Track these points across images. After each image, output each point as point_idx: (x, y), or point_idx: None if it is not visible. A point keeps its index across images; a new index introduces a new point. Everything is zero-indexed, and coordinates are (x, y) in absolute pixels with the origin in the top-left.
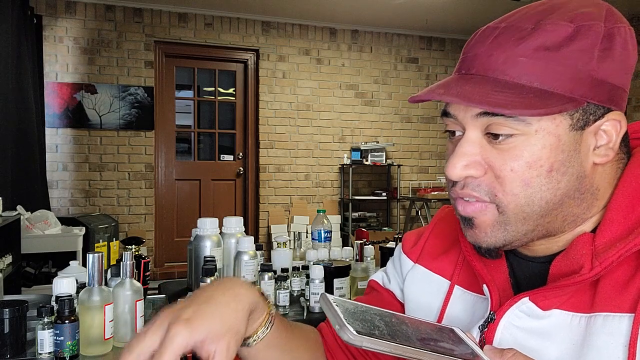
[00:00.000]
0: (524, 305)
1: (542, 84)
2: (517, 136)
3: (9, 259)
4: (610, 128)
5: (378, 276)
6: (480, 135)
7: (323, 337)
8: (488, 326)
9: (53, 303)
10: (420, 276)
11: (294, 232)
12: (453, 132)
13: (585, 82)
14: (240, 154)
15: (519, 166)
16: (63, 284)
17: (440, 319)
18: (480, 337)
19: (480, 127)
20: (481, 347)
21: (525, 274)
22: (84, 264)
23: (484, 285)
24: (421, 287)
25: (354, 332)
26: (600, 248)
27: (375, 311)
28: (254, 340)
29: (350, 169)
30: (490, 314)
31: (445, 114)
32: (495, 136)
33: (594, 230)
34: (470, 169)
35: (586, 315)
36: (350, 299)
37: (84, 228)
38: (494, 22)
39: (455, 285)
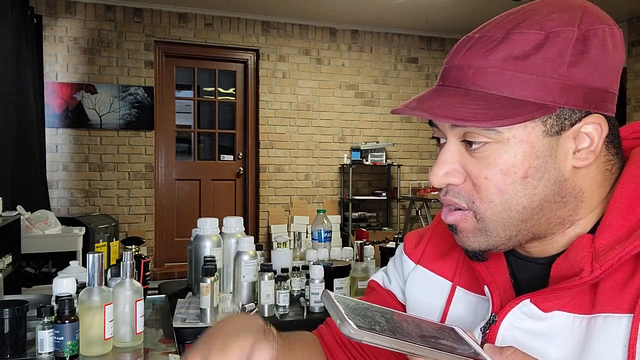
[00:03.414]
0: (526, 307)
1: (511, 93)
2: (490, 144)
3: (9, 259)
4: (592, 130)
5: (378, 276)
6: (459, 143)
7: (322, 338)
8: (490, 327)
9: (53, 303)
10: (422, 277)
11: (294, 232)
12: (439, 139)
13: (555, 88)
14: (240, 154)
15: (493, 174)
16: (63, 284)
17: (442, 320)
18: (482, 338)
19: (457, 136)
20: (482, 346)
21: (526, 275)
22: (84, 264)
23: (485, 287)
24: (423, 289)
25: (355, 327)
26: (600, 250)
27: (376, 308)
28: None
29: (350, 169)
30: (491, 315)
31: (430, 122)
32: (470, 143)
33: (592, 231)
34: (450, 176)
35: (587, 317)
36: None
37: (84, 228)
38: (472, 32)
39: (457, 286)
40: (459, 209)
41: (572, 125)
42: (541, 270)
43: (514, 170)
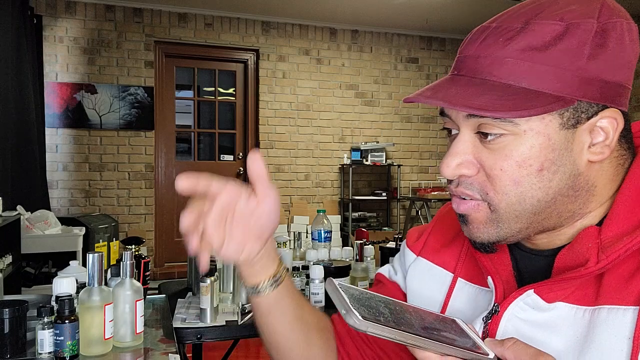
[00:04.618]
0: (529, 297)
1: (529, 84)
2: (506, 136)
3: (9, 259)
4: (607, 125)
5: (385, 269)
6: (473, 134)
7: (334, 324)
8: (492, 318)
9: (53, 303)
10: (422, 269)
11: (294, 232)
12: (450, 130)
13: (573, 81)
14: (240, 154)
15: (509, 166)
16: (63, 284)
17: (443, 312)
18: (484, 328)
19: (471, 127)
20: (484, 339)
21: (529, 267)
22: (84, 264)
23: (489, 278)
24: (424, 280)
25: (360, 317)
26: (607, 242)
27: (380, 298)
28: (258, 290)
29: (350, 169)
30: (494, 305)
31: (442, 113)
32: (485, 135)
33: (599, 224)
34: (463, 168)
35: (590, 308)
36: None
37: (84, 228)
38: (487, 22)
39: (459, 278)
40: (472, 199)
41: (589, 118)
42: (545, 262)
43: (529, 163)
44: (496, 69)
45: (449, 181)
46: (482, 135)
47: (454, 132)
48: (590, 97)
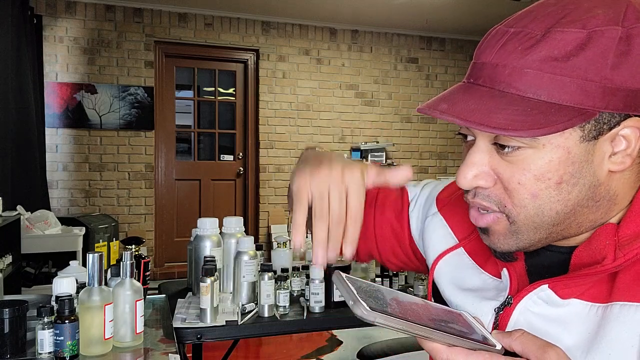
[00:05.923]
0: (543, 292)
1: (549, 97)
2: (524, 149)
3: (9, 259)
4: (630, 134)
5: (413, 191)
6: (489, 144)
7: None
8: (504, 309)
9: (53, 303)
10: (436, 225)
11: None
12: (466, 136)
13: (596, 92)
14: (240, 154)
15: (527, 179)
16: (63, 284)
17: (432, 267)
18: (495, 319)
19: (488, 137)
20: (494, 330)
21: (544, 262)
22: (84, 264)
23: (504, 270)
24: (434, 236)
25: (367, 308)
26: (624, 240)
27: (387, 291)
28: None
29: None
30: (508, 297)
31: None
32: (503, 147)
33: (617, 223)
34: (480, 179)
35: (603, 305)
36: None
37: (84, 228)
38: (505, 24)
39: (461, 247)
40: (489, 211)
41: (611, 129)
42: (560, 258)
43: (548, 176)
44: (515, 80)
45: (466, 191)
46: (499, 146)
47: (469, 137)
48: (613, 107)
